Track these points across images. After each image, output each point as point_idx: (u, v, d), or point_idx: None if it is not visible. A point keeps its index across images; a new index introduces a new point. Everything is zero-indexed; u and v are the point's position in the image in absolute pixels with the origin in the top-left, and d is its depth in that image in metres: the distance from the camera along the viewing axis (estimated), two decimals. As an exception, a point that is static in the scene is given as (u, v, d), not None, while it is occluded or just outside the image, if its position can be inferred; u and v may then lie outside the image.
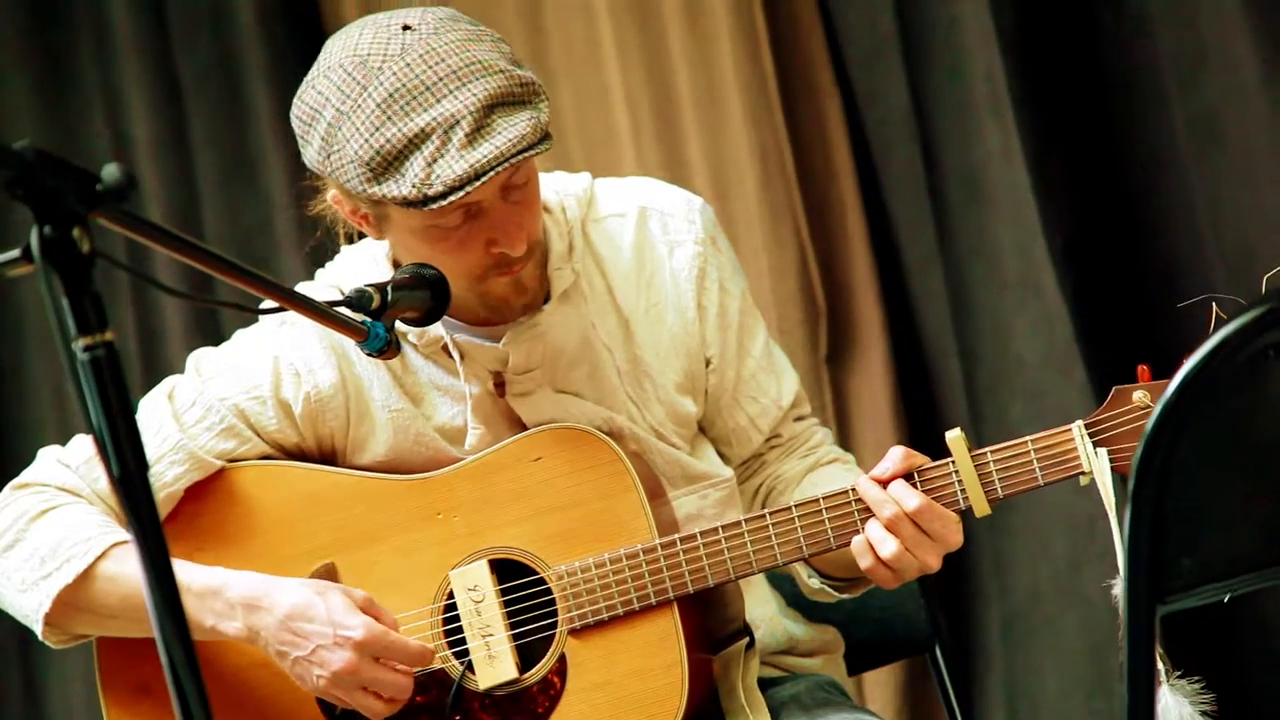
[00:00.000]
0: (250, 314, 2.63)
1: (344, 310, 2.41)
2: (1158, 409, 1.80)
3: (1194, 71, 3.70)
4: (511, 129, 2.41)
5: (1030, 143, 3.84)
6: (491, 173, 2.39)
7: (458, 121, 2.39)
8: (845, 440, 4.13)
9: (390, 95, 2.41)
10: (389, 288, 2.44)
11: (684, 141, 4.27)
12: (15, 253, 1.71)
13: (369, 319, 2.42)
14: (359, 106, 2.42)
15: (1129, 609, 1.84)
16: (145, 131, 4.50)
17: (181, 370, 2.70)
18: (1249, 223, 3.67)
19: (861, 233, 4.19)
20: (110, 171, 1.73)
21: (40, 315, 4.57)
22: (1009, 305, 3.93)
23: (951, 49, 3.94)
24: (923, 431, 4.11)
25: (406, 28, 2.45)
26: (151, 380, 2.80)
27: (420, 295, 2.48)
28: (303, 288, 2.68)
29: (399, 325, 2.50)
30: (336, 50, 2.47)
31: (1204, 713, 2.25)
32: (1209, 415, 1.82)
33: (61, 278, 1.69)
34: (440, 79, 2.41)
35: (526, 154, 2.41)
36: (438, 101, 2.40)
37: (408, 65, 2.42)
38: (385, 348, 2.43)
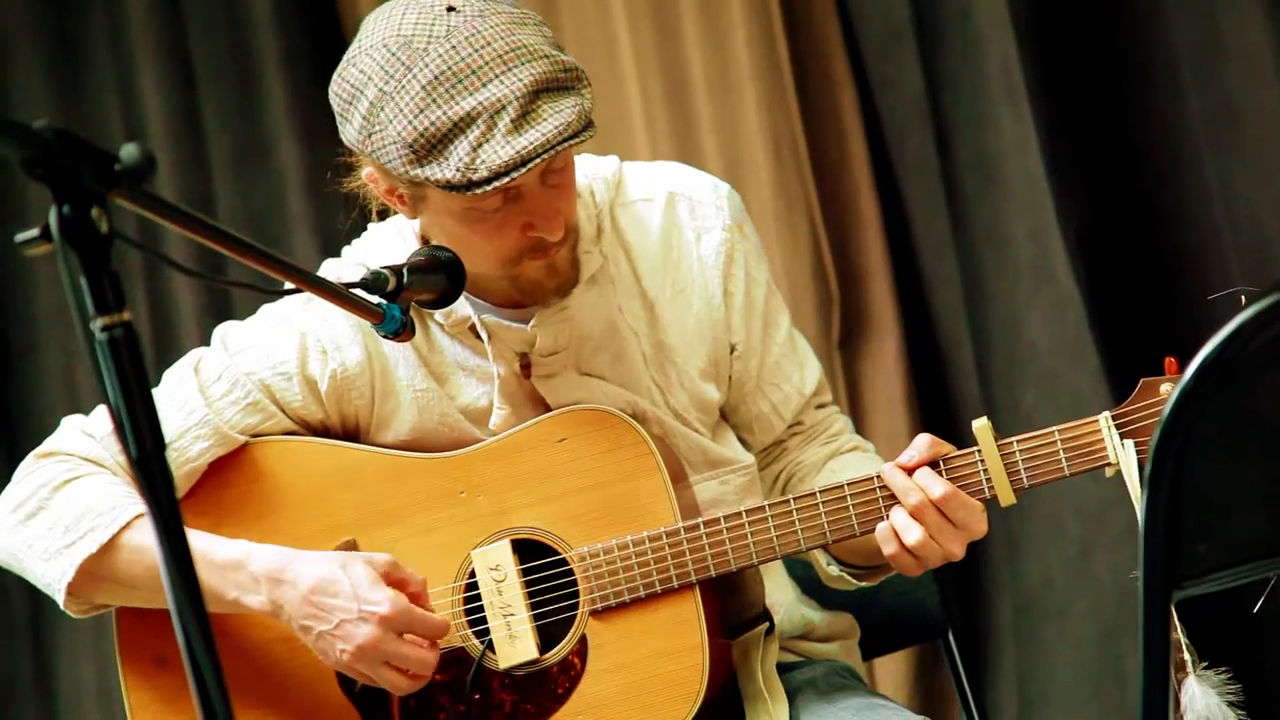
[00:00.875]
0: (266, 295, 2.64)
1: (360, 292, 2.41)
2: (1174, 395, 1.80)
3: (1210, 60, 3.70)
4: (558, 116, 2.40)
5: (1045, 130, 3.83)
6: (537, 159, 2.39)
7: (504, 106, 2.39)
8: (858, 425, 4.13)
9: (436, 78, 2.40)
10: (405, 270, 2.43)
11: (698, 129, 4.27)
12: (34, 232, 1.71)
13: (385, 301, 2.42)
14: (403, 88, 2.41)
15: (1144, 594, 1.84)
16: (159, 117, 4.51)
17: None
18: (1263, 211, 3.67)
19: (875, 220, 4.19)
20: (129, 151, 1.73)
21: (51, 299, 4.58)
22: (1022, 292, 3.93)
23: (966, 36, 3.94)
24: (936, 418, 4.12)
25: (451, 9, 2.44)
26: (164, 361, 2.81)
27: (436, 278, 2.48)
28: (330, 264, 2.68)
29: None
30: (379, 29, 2.46)
31: (1230, 703, 2.25)
32: (1225, 401, 1.82)
33: (80, 257, 1.69)
34: (486, 63, 2.40)
35: (572, 141, 2.41)
36: (484, 86, 2.39)
37: (453, 48, 2.41)
38: (401, 330, 2.43)
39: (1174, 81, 3.75)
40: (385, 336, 2.44)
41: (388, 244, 2.66)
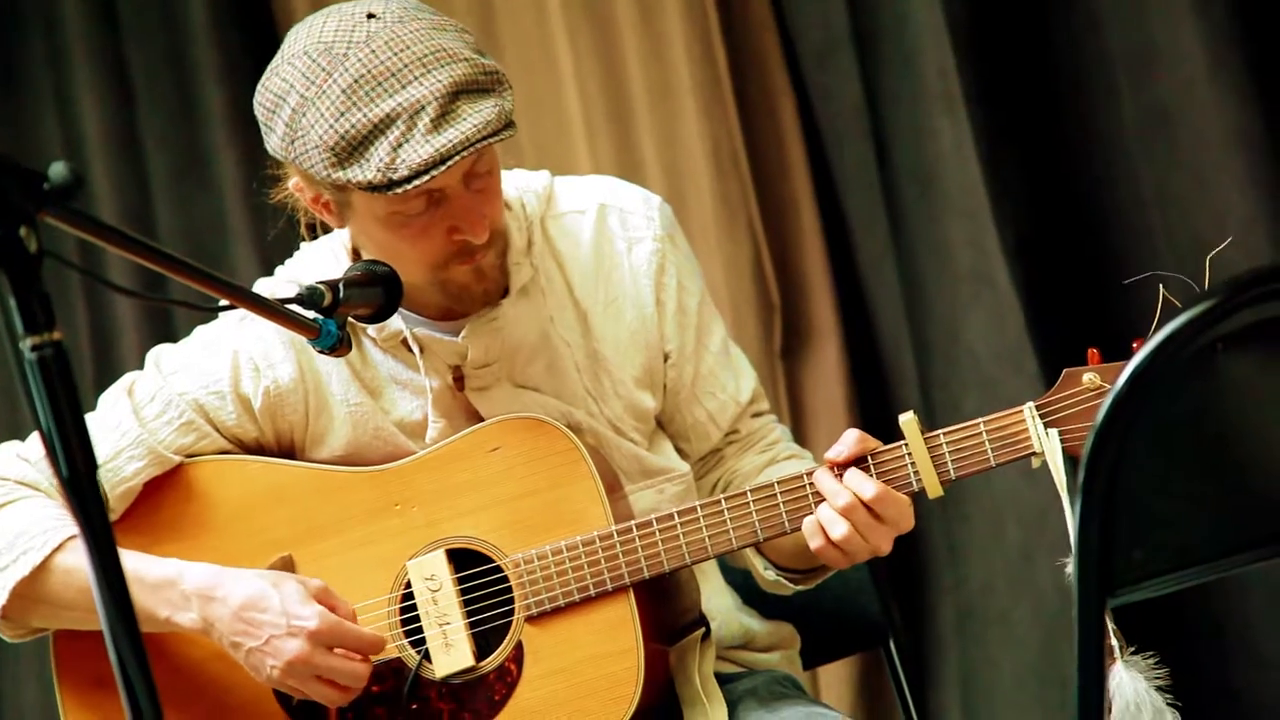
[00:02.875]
0: (202, 312, 2.63)
1: (296, 308, 2.40)
2: (1107, 402, 1.80)
3: (1143, 66, 3.73)
4: (477, 115, 2.41)
5: (982, 137, 3.85)
6: (457, 157, 2.39)
7: (423, 107, 2.40)
8: (800, 434, 4.14)
9: (355, 81, 2.41)
10: (341, 285, 2.44)
11: (638, 139, 4.28)
12: (-40, 252, 1.70)
13: (320, 316, 2.42)
14: (324, 92, 2.42)
15: (1079, 601, 1.85)
16: (97, 130, 4.49)
17: (134, 369, 2.69)
18: (1198, 215, 3.70)
19: (815, 228, 4.20)
20: (58, 170, 1.72)
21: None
22: (961, 299, 3.94)
23: (904, 45, 3.96)
24: (877, 424, 4.09)
25: (371, 16, 2.45)
26: (105, 378, 2.80)
27: (372, 292, 2.48)
28: (262, 283, 2.68)
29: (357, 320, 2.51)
30: (301, 38, 2.47)
31: (1158, 688, 2.26)
32: (1158, 408, 1.82)
33: (8, 277, 1.68)
34: (405, 65, 2.41)
35: (492, 139, 2.42)
36: (403, 87, 2.40)
37: (373, 52, 2.42)
38: (337, 345, 2.43)
39: (1109, 87, 3.78)
40: (321, 352, 2.44)
41: (321, 262, 2.66)
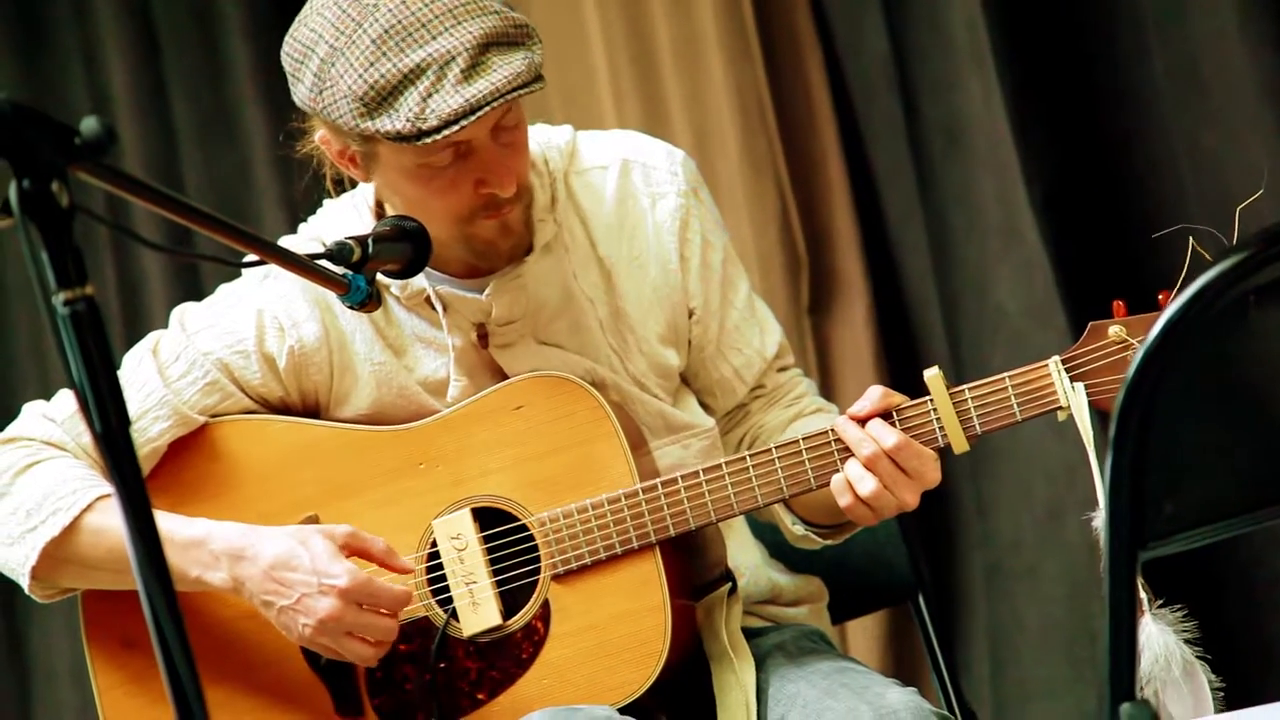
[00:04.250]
0: (231, 267, 2.63)
1: (325, 263, 2.40)
2: (1139, 355, 1.80)
3: (1174, 19, 3.70)
4: (507, 67, 2.41)
5: (1011, 91, 3.83)
6: (487, 108, 2.40)
7: (454, 58, 2.40)
8: (827, 390, 4.14)
9: (386, 31, 2.41)
10: (370, 240, 2.44)
11: (664, 93, 4.27)
12: (-7, 207, 1.70)
13: (350, 272, 2.42)
14: (353, 42, 2.42)
15: (1110, 556, 1.84)
16: (124, 86, 4.49)
17: (162, 324, 2.70)
18: (1229, 169, 3.67)
19: (842, 183, 4.19)
20: (89, 125, 1.72)
21: (19, 271, 4.56)
22: (990, 254, 3.93)
23: (931, -1, 3.95)
24: (904, 381, 4.10)
25: None
26: (132, 334, 2.80)
27: (401, 247, 2.48)
28: (285, 241, 2.68)
29: (380, 277, 2.51)
30: None
31: (1186, 641, 2.26)
32: (1190, 361, 1.82)
33: (41, 231, 1.68)
34: (436, 16, 2.42)
35: (521, 91, 2.42)
36: (434, 38, 2.41)
37: (403, 2, 2.43)
38: (366, 300, 2.43)
39: (1138, 41, 3.75)
40: (351, 307, 2.45)
41: (344, 218, 2.66)
